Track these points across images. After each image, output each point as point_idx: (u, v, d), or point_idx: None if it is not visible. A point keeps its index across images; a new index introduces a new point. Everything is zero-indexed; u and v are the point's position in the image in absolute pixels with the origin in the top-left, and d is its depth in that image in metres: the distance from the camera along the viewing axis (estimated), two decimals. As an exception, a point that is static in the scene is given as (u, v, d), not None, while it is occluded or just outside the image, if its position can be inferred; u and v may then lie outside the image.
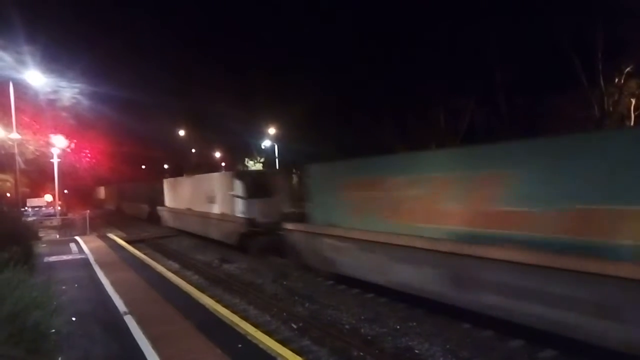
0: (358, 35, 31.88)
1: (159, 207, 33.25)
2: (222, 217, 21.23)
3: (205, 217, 23.15)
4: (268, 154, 47.71)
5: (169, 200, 30.92)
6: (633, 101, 25.56)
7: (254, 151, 51.83)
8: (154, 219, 34.83)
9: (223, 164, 60.14)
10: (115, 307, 9.95)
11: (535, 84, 24.44)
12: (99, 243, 22.53)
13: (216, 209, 22.08)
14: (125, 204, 52.26)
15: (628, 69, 24.63)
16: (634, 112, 25.31)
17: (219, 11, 51.04)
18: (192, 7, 55.03)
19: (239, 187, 19.68)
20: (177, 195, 29.01)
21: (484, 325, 9.12)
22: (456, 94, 28.12)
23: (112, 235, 25.87)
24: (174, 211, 29.50)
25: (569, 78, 23.76)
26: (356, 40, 31.02)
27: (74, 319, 8.90)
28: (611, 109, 25.15)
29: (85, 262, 16.56)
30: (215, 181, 22.74)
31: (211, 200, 22.78)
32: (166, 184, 31.81)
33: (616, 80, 25.20)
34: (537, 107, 24.88)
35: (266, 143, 46.50)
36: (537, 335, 8.02)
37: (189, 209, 25.98)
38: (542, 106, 24.86)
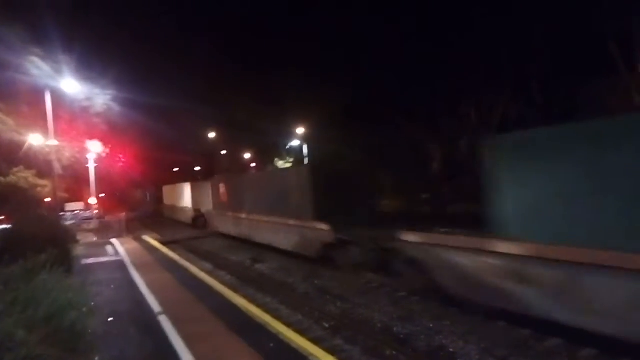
0: (387, 31, 31.49)
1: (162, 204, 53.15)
2: (186, 208, 37.30)
3: (178, 208, 40.78)
4: (297, 153, 47.86)
5: (166, 199, 50.19)
6: (675, 88, 24.41)
7: (283, 151, 52.08)
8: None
9: (253, 164, 60.63)
10: (150, 308, 10.13)
11: (572, 72, 23.59)
12: (134, 245, 23.06)
13: (184, 204, 37.96)
14: None
15: (670, 54, 23.54)
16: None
17: (248, 11, 51.40)
18: (220, 8, 55.57)
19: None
20: (170, 196, 46.75)
21: (521, 324, 8.85)
22: (488, 87, 27.45)
23: (147, 238, 26.44)
24: (168, 207, 47.76)
25: (607, 65, 22.82)
26: (386, 36, 30.64)
27: (110, 319, 9.09)
28: (652, 97, 24.05)
29: (121, 264, 16.96)
30: (183, 188, 38.80)
31: (182, 198, 39.09)
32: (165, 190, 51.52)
33: (657, 66, 24.11)
34: (573, 97, 24.04)
35: (294, 143, 46.63)
36: (576, 335, 7.72)
37: (174, 204, 43.49)
38: (579, 95, 23.98)
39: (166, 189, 50.09)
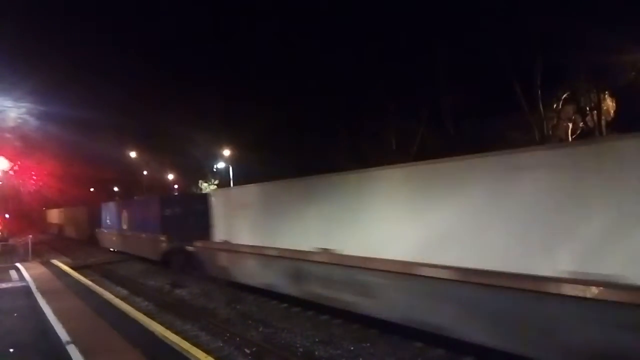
0: (313, 57, 32.45)
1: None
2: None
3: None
4: (223, 175, 47.21)
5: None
6: (570, 125, 27.22)
7: (208, 173, 51.16)
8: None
9: (176, 186, 58.87)
10: (58, 337, 9.47)
11: (481, 109, 25.65)
12: (41, 270, 21.45)
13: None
14: None
15: (565, 95, 26.27)
16: (571, 135, 26.89)
17: (172, 32, 50.66)
18: (145, 27, 54.34)
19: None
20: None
21: (435, 344, 9.30)
22: (407, 118, 29.05)
23: (56, 262, 24.67)
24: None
25: (512, 103, 25.08)
26: (311, 63, 31.54)
27: (11, 350, 8.43)
28: (550, 132, 26.63)
29: (26, 290, 15.73)
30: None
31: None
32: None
33: (554, 105, 26.79)
34: (482, 131, 26.04)
35: (220, 165, 46.01)
36: (487, 353, 8.24)
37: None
38: (487, 130, 26.06)
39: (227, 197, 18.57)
